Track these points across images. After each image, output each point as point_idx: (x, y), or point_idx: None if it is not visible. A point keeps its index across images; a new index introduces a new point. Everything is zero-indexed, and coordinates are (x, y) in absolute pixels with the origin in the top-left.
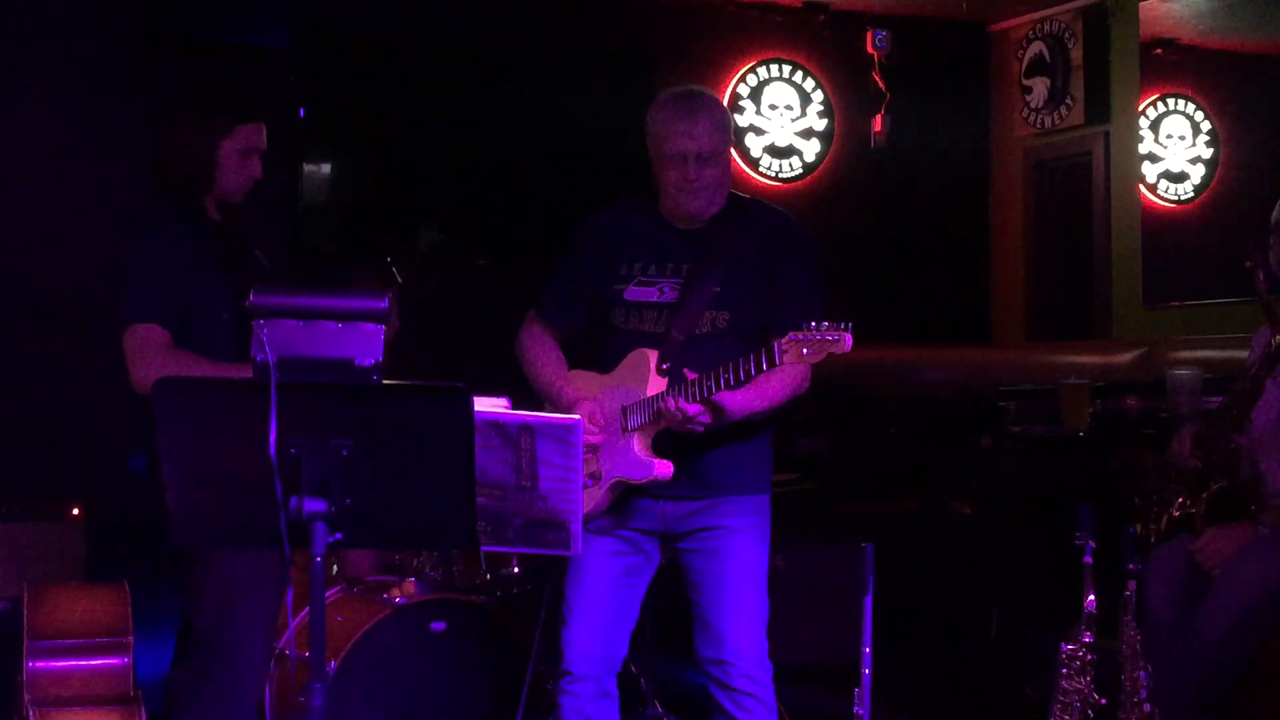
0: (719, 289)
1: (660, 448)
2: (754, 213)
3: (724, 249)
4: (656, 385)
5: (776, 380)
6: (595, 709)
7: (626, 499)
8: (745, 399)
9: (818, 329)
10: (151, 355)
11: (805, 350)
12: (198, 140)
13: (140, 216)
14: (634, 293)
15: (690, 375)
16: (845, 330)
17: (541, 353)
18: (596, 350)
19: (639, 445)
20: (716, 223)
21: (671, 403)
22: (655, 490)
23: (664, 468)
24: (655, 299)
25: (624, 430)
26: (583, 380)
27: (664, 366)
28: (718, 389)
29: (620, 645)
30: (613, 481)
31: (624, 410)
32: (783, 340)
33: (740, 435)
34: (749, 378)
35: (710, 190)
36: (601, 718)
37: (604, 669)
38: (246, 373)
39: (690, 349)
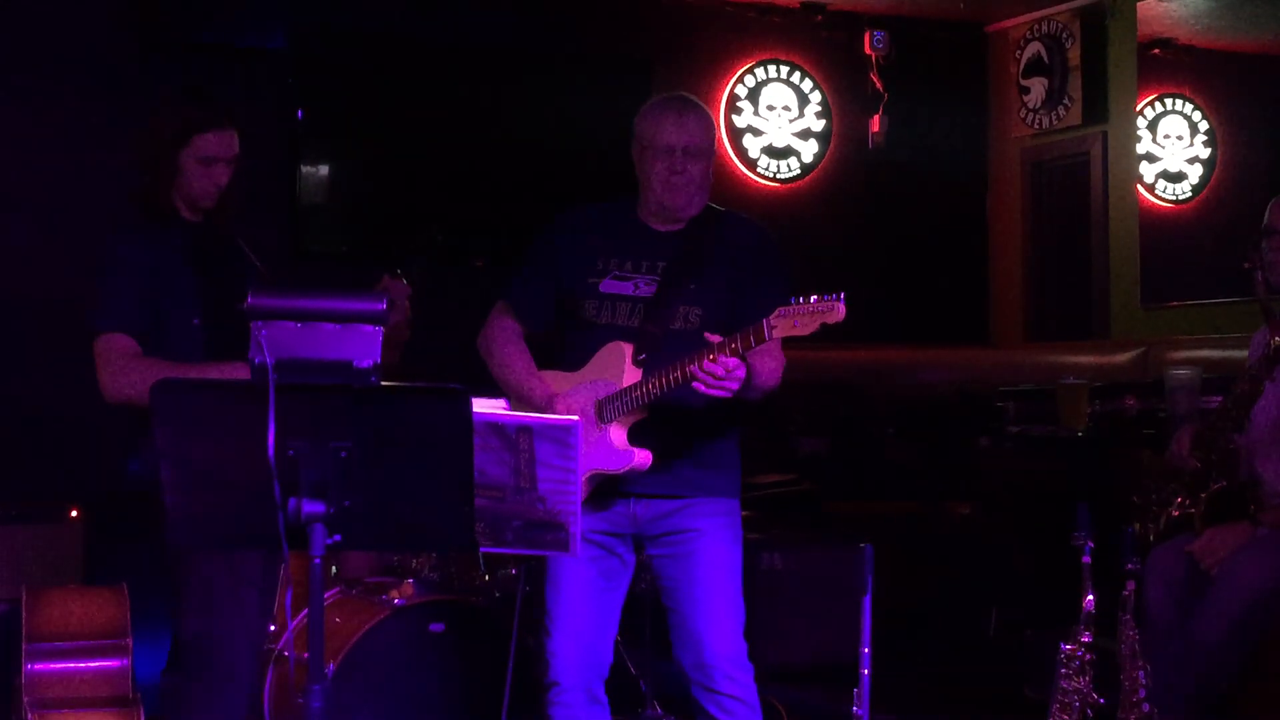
0: (694, 285)
1: (635, 440)
2: (730, 221)
3: (700, 250)
4: (633, 376)
5: (773, 363)
6: (587, 715)
7: (600, 499)
8: (768, 369)
9: (805, 302)
10: (117, 365)
11: (795, 323)
12: (156, 147)
13: (113, 221)
14: (609, 285)
15: (713, 339)
16: (837, 299)
17: (510, 349)
18: (564, 347)
19: (617, 435)
20: (693, 226)
21: (706, 361)
22: (629, 489)
23: (643, 456)
24: (630, 293)
25: (600, 422)
26: (552, 379)
27: (640, 357)
28: (744, 348)
29: (605, 650)
30: (590, 474)
31: (598, 403)
32: (770, 315)
33: (711, 437)
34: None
35: (693, 187)
36: None
37: (592, 676)
38: (214, 371)
39: (664, 342)
